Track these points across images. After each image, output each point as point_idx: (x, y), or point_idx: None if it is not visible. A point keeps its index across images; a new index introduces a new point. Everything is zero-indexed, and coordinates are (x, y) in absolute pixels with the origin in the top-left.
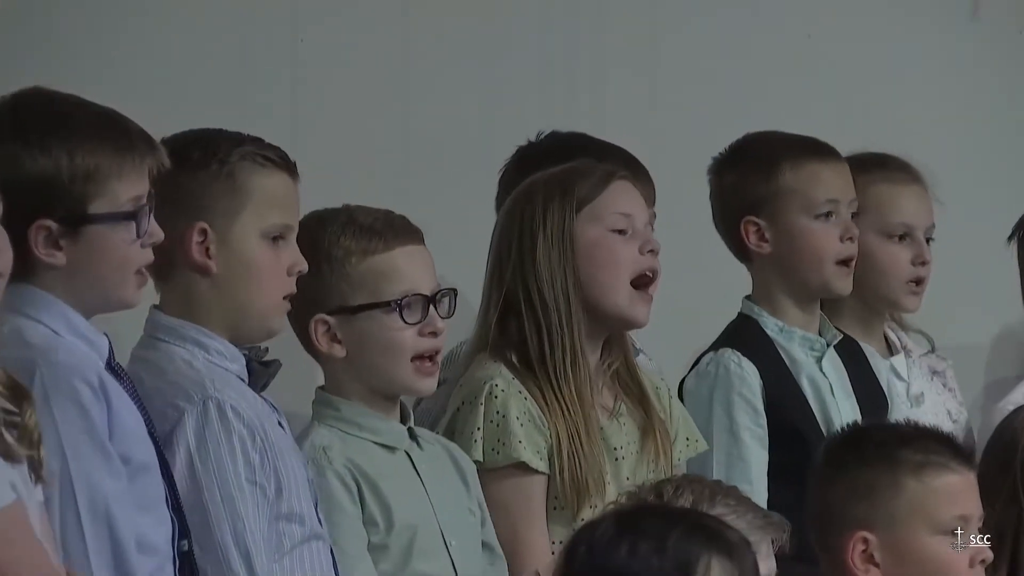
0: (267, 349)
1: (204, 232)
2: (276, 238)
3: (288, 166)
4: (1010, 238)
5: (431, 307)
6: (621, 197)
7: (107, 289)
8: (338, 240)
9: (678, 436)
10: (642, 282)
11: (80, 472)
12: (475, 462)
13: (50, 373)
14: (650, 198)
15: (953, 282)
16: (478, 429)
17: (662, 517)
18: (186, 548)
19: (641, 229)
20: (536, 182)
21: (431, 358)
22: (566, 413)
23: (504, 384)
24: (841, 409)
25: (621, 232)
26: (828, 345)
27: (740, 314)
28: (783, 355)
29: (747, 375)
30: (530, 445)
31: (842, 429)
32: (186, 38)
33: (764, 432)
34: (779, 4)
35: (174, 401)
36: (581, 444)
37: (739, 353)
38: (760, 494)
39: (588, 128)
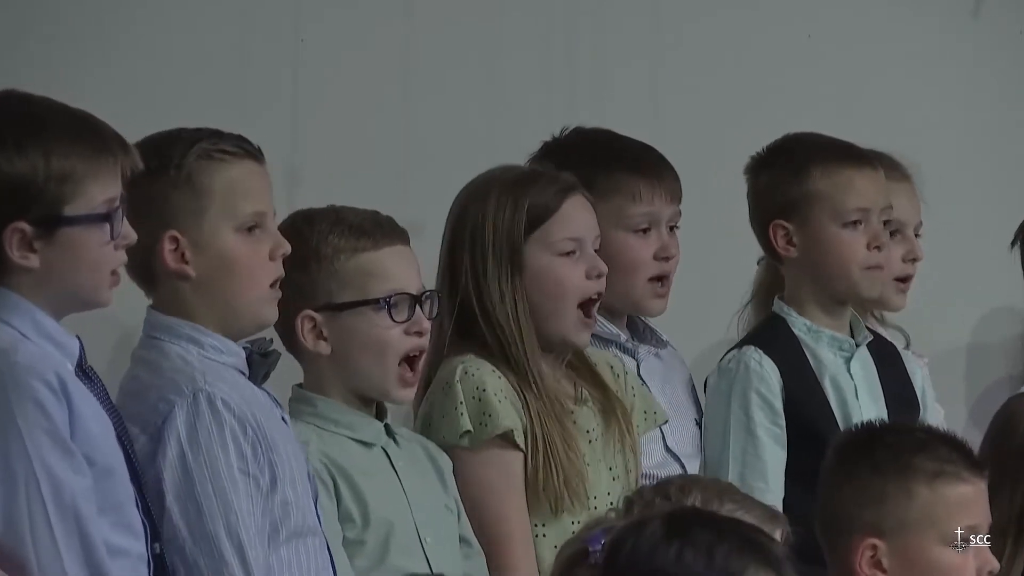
0: (271, 340)
1: (175, 240)
2: (252, 228)
3: (251, 152)
4: (1013, 243)
5: (417, 307)
6: (572, 220)
7: (81, 291)
8: (327, 238)
9: (635, 408)
10: (587, 305)
11: (44, 469)
12: (465, 432)
13: (9, 374)
14: (676, 194)
15: (952, 282)
16: (461, 403)
17: (712, 527)
18: (158, 551)
19: (589, 251)
20: (490, 189)
21: (412, 367)
22: (543, 416)
23: (476, 365)
24: (865, 412)
25: (569, 254)
26: (858, 346)
27: (772, 313)
28: (808, 355)
29: (766, 373)
30: (510, 420)
31: (852, 430)
32: (186, 38)
33: (782, 431)
34: (779, 4)
35: (165, 395)
36: (558, 450)
37: (761, 351)
38: (776, 492)
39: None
